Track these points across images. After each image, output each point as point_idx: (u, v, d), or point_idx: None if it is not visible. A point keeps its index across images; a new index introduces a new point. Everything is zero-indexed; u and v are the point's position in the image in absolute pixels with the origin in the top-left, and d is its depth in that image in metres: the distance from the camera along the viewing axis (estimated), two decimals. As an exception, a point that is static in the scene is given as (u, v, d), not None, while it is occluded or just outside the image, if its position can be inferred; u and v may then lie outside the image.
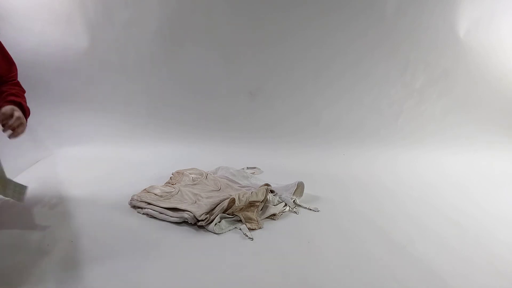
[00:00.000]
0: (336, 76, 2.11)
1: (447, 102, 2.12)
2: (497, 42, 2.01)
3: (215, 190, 1.32)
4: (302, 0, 1.97)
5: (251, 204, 1.14)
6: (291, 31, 2.03)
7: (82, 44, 1.94)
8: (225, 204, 1.11)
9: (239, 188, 1.38)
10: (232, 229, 1.07)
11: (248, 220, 1.10)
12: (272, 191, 1.27)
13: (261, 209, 1.17)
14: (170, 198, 1.20)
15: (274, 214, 1.16)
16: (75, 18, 1.89)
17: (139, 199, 1.19)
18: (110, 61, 2.00)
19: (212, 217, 1.09)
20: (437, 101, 2.12)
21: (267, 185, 1.28)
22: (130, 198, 1.21)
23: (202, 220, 1.06)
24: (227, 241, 1.01)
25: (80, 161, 1.70)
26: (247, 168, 1.67)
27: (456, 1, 1.95)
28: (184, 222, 1.09)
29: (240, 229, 1.06)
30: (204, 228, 1.07)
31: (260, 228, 1.09)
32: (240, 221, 1.10)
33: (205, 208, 1.10)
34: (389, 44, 2.04)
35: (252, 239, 1.01)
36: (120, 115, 2.04)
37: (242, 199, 1.13)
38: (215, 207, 1.12)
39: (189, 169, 1.51)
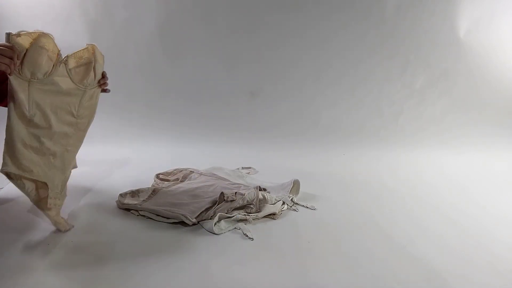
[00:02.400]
0: (337, 76, 2.11)
1: (447, 102, 2.12)
2: (497, 42, 2.01)
3: (204, 187, 1.33)
4: (302, 2, 1.97)
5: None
6: (292, 32, 2.03)
7: (82, 43, 1.94)
8: (216, 199, 1.14)
9: (229, 184, 1.38)
10: (232, 229, 1.07)
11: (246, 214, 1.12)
12: (264, 189, 1.27)
13: (258, 209, 1.17)
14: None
15: (274, 214, 1.16)
16: (75, 17, 1.90)
17: (122, 205, 1.19)
18: (109, 61, 1.99)
19: (208, 214, 1.10)
20: (437, 101, 2.12)
21: (260, 188, 1.28)
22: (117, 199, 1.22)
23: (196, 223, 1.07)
24: (227, 241, 1.01)
25: (79, 160, 1.70)
26: (242, 168, 1.67)
27: (456, 1, 1.95)
28: (181, 223, 1.09)
29: (240, 229, 1.06)
30: (203, 228, 1.07)
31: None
32: (240, 221, 1.10)
33: (197, 209, 1.10)
34: (389, 44, 2.05)
35: (252, 239, 1.01)
36: (120, 114, 2.04)
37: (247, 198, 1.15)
38: (211, 206, 1.13)
39: (173, 170, 1.53)
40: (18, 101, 0.85)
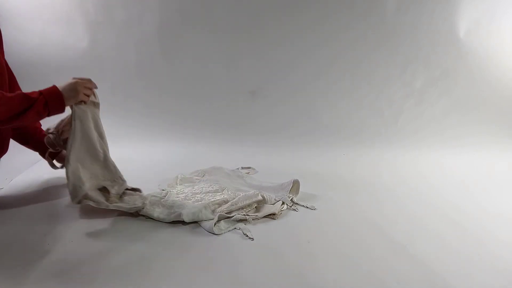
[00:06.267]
0: (337, 76, 2.11)
1: (447, 102, 2.12)
2: (497, 42, 2.01)
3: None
4: (303, 2, 1.97)
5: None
6: (292, 32, 2.03)
7: (82, 44, 1.94)
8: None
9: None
10: (232, 229, 1.07)
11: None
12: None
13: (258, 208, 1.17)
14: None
15: (274, 214, 1.16)
16: (75, 18, 1.90)
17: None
18: (110, 61, 2.00)
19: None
20: (437, 101, 2.12)
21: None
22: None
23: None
24: (227, 241, 1.01)
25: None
26: (242, 168, 1.67)
27: (456, 1, 1.95)
28: (182, 222, 1.09)
29: (240, 229, 1.06)
30: (203, 228, 1.07)
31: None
32: (240, 221, 1.10)
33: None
34: (390, 44, 2.05)
35: (252, 239, 1.01)
36: (120, 115, 2.05)
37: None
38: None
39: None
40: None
